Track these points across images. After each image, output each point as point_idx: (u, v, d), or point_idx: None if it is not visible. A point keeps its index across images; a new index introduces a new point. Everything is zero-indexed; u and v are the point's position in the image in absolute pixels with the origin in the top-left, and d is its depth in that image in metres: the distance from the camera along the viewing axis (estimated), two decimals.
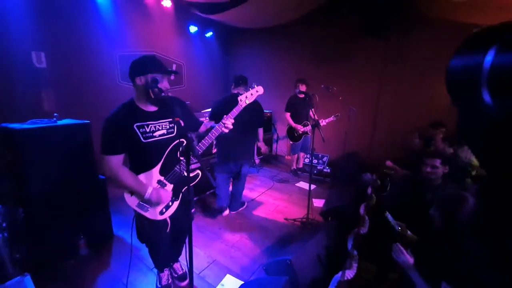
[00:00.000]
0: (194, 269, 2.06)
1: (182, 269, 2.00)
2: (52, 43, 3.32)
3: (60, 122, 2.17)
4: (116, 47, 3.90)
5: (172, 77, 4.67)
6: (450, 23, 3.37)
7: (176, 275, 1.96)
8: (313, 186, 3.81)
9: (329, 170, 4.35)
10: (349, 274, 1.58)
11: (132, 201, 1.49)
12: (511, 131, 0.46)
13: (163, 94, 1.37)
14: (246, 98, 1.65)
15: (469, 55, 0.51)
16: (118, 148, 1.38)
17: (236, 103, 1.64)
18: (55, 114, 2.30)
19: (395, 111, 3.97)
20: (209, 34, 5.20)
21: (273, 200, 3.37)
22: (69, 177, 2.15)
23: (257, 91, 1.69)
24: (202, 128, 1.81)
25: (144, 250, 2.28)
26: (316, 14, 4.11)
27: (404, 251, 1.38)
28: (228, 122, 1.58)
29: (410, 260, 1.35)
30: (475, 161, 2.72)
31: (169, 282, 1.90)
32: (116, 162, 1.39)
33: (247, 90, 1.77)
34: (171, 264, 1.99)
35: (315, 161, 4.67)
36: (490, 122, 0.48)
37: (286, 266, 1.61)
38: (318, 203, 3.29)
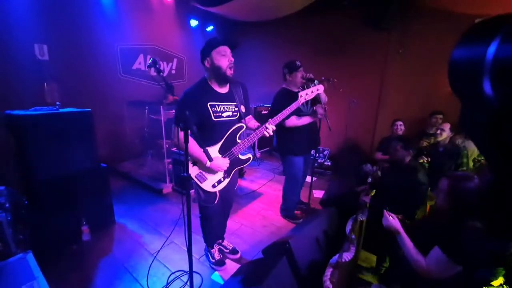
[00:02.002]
0: (195, 254, 2.10)
1: (231, 245, 2.13)
2: (55, 36, 3.35)
3: (62, 110, 2.20)
4: (117, 41, 3.93)
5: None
6: (452, 13, 3.35)
7: (227, 250, 2.10)
8: (314, 179, 3.83)
9: (330, 163, 4.36)
10: (347, 256, 1.59)
11: (193, 170, 1.61)
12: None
13: (229, 73, 1.50)
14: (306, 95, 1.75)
15: (471, 46, 0.51)
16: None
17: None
18: (58, 103, 2.34)
19: (398, 102, 3.95)
20: (210, 28, 5.21)
21: (273, 191, 3.38)
22: (72, 164, 2.18)
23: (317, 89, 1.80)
24: (248, 122, 1.79)
25: (146, 236, 2.34)
26: (317, 6, 4.10)
27: (394, 216, 1.43)
28: (270, 127, 1.61)
29: (397, 223, 1.38)
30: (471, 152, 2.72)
31: (221, 257, 2.00)
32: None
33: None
34: (220, 241, 2.11)
35: (316, 154, 4.67)
36: (491, 114, 0.48)
37: (284, 248, 1.62)
38: (318, 194, 3.30)
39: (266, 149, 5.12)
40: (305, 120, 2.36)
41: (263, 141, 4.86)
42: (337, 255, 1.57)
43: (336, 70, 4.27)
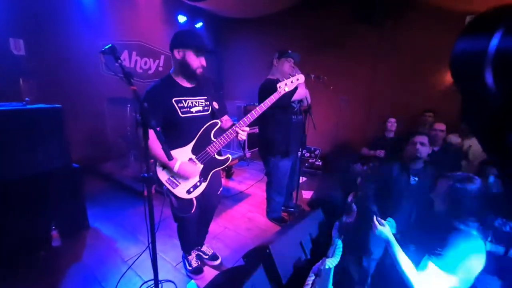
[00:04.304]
0: (171, 261, 1.96)
1: (211, 251, 1.99)
2: (32, 30, 3.17)
3: (29, 106, 2.05)
4: (100, 36, 3.75)
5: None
6: (444, 9, 3.29)
7: (207, 256, 1.96)
8: (304, 179, 3.73)
9: (320, 163, 4.26)
10: (331, 262, 1.47)
11: (163, 175, 1.47)
12: None
13: (199, 71, 1.41)
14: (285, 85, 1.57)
15: (474, 38, 0.50)
16: (155, 121, 1.36)
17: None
18: (27, 99, 2.19)
19: (389, 100, 3.88)
20: (199, 24, 5.06)
21: (261, 192, 3.24)
22: (40, 164, 2.02)
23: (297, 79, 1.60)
24: (223, 122, 1.64)
25: (120, 242, 2.19)
26: (308, 1, 4.01)
27: (383, 223, 1.32)
28: (240, 131, 1.47)
29: (388, 232, 1.28)
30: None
31: (199, 264, 1.85)
32: (151, 134, 1.33)
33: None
34: (199, 247, 1.97)
35: (307, 154, 4.57)
36: (493, 107, 0.47)
37: (264, 254, 1.50)
38: (307, 194, 3.19)
39: (257, 148, 5.01)
40: (302, 88, 2.13)
41: (254, 140, 4.73)
42: (320, 261, 1.46)
43: (327, 67, 4.16)
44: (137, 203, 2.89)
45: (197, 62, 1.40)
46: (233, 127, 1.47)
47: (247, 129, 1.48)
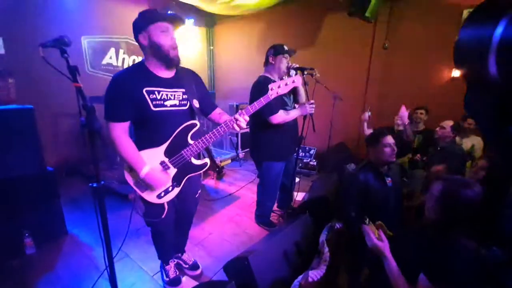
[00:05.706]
0: (149, 271, 1.85)
1: (192, 259, 1.86)
2: (12, 28, 3.05)
3: None
4: (84, 33, 3.63)
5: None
6: (439, 5, 3.15)
7: (187, 266, 1.83)
8: (298, 180, 3.60)
9: (315, 163, 4.13)
10: (315, 275, 1.35)
11: (130, 178, 1.35)
12: None
13: (173, 54, 1.23)
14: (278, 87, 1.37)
15: (479, 25, 0.49)
16: (123, 114, 1.24)
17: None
18: None
19: (384, 98, 3.74)
20: (190, 21, 4.92)
21: (251, 194, 3.13)
22: (10, 169, 1.91)
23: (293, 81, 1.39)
24: (215, 115, 1.53)
25: (96, 249, 2.07)
26: None
27: (376, 231, 1.19)
28: (242, 119, 1.30)
29: (384, 246, 1.13)
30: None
31: (177, 274, 1.72)
32: (119, 131, 1.23)
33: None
34: (179, 255, 1.84)
35: (301, 153, 4.44)
36: (496, 95, 0.47)
37: (242, 266, 1.39)
38: (301, 196, 3.06)
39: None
40: (295, 114, 2.05)
41: (247, 140, 4.60)
42: (302, 275, 1.34)
43: (320, 64, 4.02)
44: (119, 207, 2.77)
45: (166, 39, 1.21)
46: (235, 115, 1.31)
47: (247, 118, 1.33)
